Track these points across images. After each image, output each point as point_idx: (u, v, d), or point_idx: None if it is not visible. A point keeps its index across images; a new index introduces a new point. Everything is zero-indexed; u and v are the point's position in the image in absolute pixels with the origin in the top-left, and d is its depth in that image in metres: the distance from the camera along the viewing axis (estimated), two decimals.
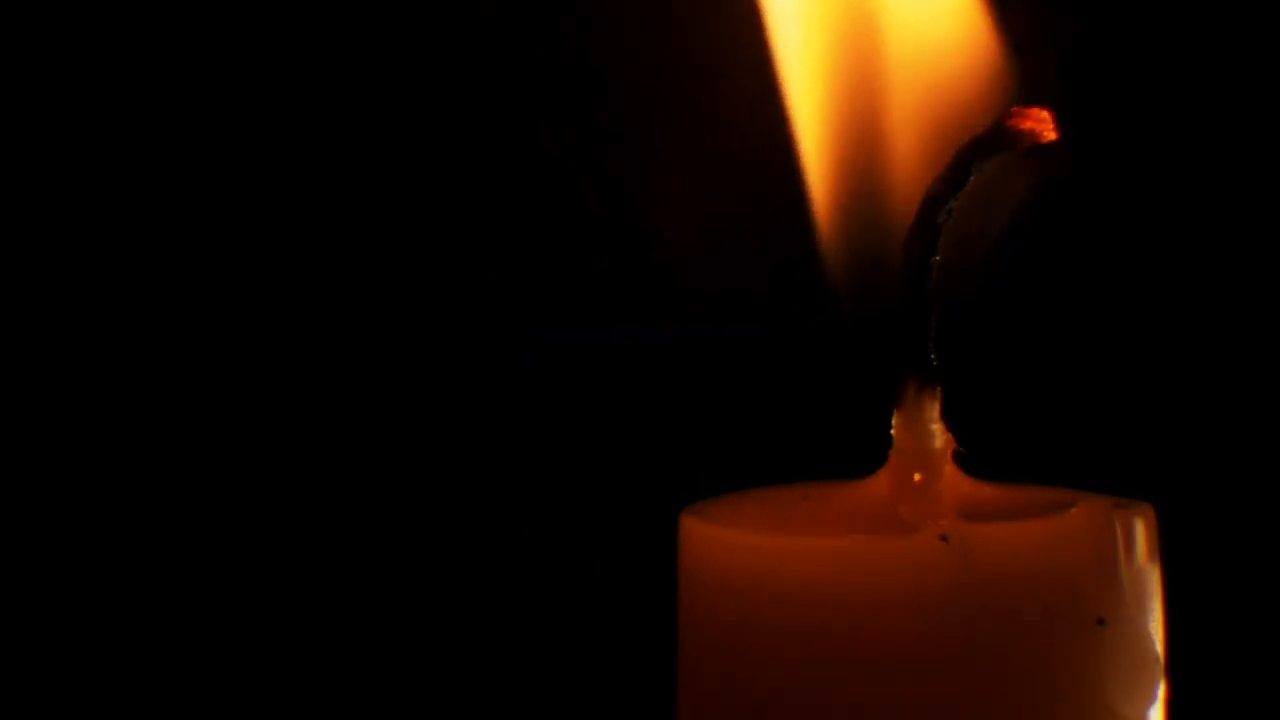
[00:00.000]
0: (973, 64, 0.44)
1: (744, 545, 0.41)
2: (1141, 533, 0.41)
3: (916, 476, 0.42)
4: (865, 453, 0.43)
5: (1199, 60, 0.71)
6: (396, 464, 0.74)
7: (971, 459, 0.43)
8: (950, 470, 0.42)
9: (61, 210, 0.73)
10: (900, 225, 0.42)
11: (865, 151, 0.44)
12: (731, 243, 0.72)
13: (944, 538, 0.40)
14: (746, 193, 0.71)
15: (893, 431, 0.43)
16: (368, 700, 0.74)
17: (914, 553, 0.40)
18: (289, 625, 0.74)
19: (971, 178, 0.41)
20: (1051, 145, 0.41)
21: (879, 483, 0.43)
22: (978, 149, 0.41)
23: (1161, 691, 0.41)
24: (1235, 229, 0.71)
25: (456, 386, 0.74)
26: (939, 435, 0.42)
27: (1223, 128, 0.71)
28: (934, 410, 0.42)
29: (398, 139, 0.73)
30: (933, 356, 0.42)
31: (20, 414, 0.73)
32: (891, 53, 0.44)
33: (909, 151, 0.44)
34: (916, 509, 0.41)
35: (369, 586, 0.74)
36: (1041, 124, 0.41)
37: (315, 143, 0.73)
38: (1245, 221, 0.71)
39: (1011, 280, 0.49)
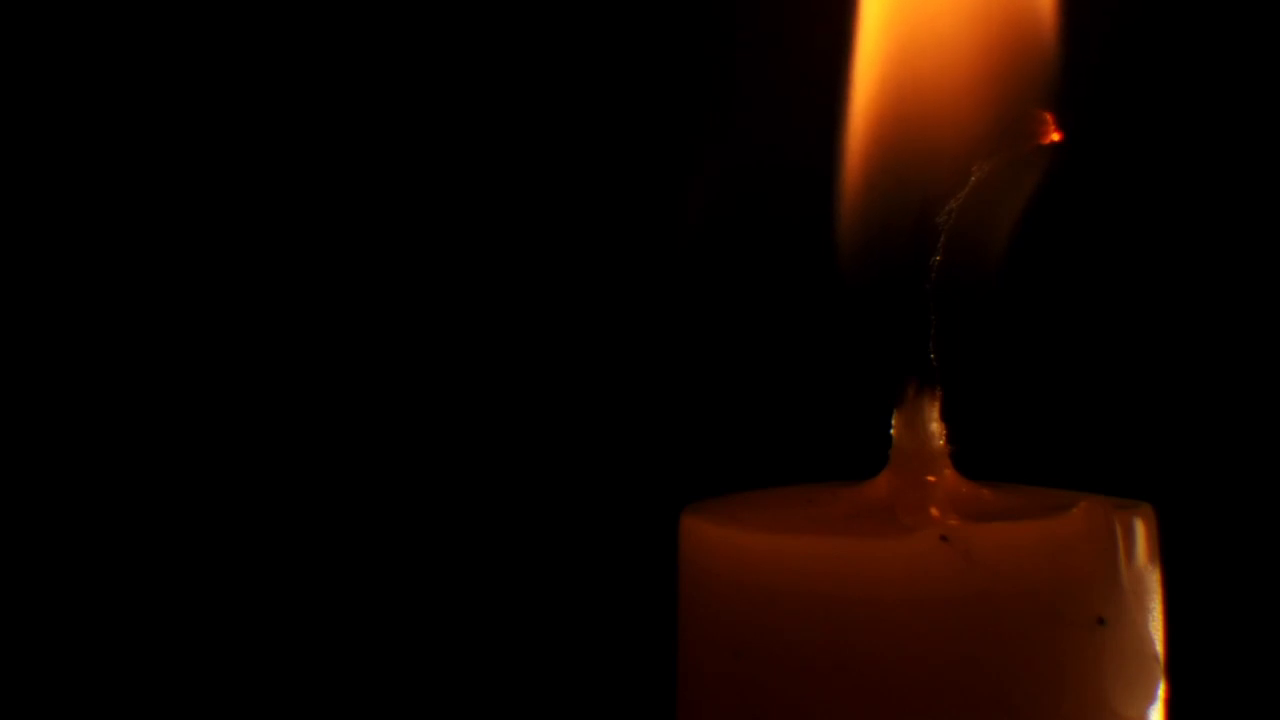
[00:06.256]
0: (1021, 61, 0.44)
1: (744, 545, 0.41)
2: (1141, 533, 0.41)
3: (917, 477, 0.42)
4: (865, 453, 0.43)
5: (1199, 60, 0.71)
6: (396, 464, 0.74)
7: (971, 459, 0.43)
8: (950, 471, 0.42)
9: (61, 210, 0.73)
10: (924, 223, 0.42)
11: (902, 140, 0.44)
12: (734, 242, 0.72)
13: (944, 538, 0.40)
14: (751, 194, 0.71)
15: (893, 432, 0.43)
16: (368, 700, 0.74)
17: (914, 553, 0.40)
18: (289, 625, 0.74)
19: (971, 179, 0.41)
20: (1053, 147, 0.41)
21: (879, 483, 0.43)
22: (978, 151, 0.41)
23: (1161, 691, 0.41)
24: (1235, 229, 0.71)
25: (456, 386, 0.74)
26: (939, 436, 0.42)
27: (1222, 128, 0.71)
28: (934, 410, 0.42)
29: (399, 137, 0.73)
30: (932, 357, 0.42)
31: (20, 414, 0.73)
32: (937, 45, 0.44)
33: (944, 142, 0.44)
34: (916, 509, 0.41)
35: (369, 586, 0.74)
36: (1043, 126, 0.41)
37: (315, 142, 0.73)
38: (1245, 222, 0.71)
39: (1010, 280, 0.49)
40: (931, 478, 0.42)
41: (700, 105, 0.72)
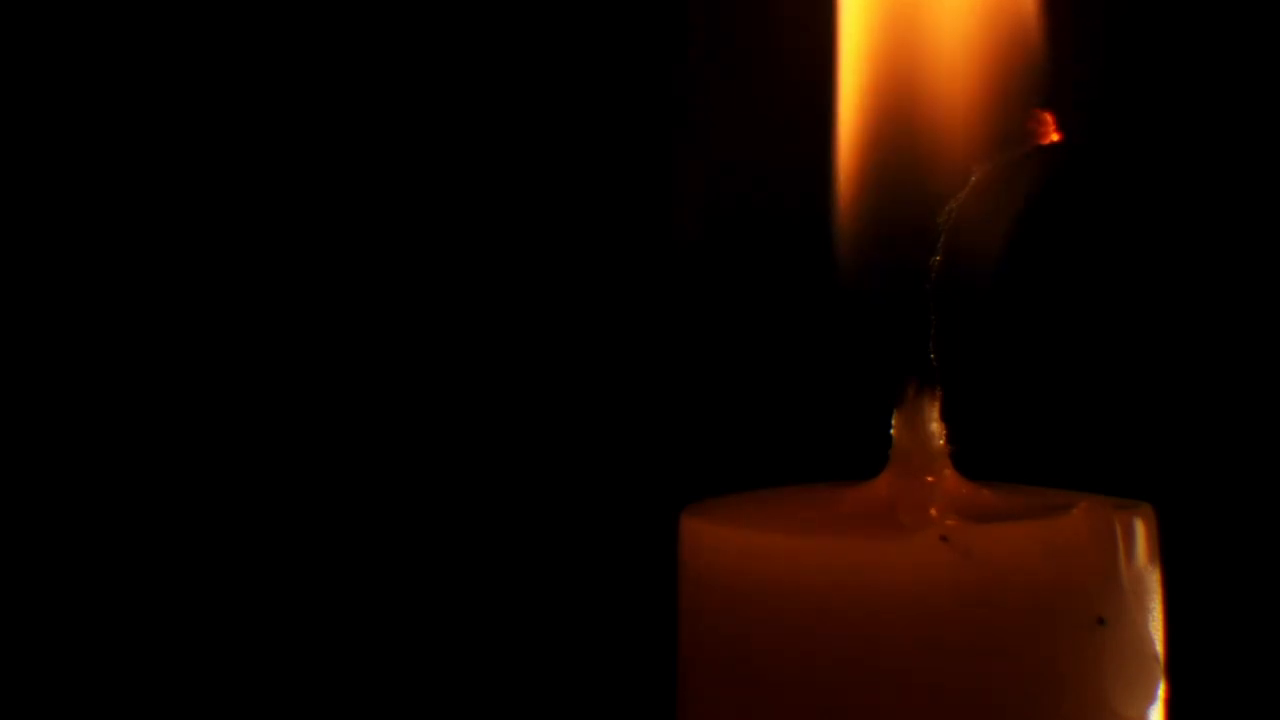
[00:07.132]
0: (1010, 60, 0.44)
1: (744, 545, 0.41)
2: (1141, 533, 0.41)
3: (917, 477, 0.42)
4: (865, 453, 0.43)
5: (1199, 60, 0.71)
6: (396, 464, 0.74)
7: (971, 459, 0.43)
8: (950, 471, 0.42)
9: (61, 210, 0.73)
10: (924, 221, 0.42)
11: (900, 141, 0.44)
12: (734, 243, 0.72)
13: (944, 538, 0.40)
14: (751, 194, 0.71)
15: (893, 432, 0.43)
16: (368, 700, 0.74)
17: (914, 553, 0.40)
18: (289, 625, 0.74)
19: (972, 179, 0.41)
20: (1053, 147, 0.41)
21: (879, 483, 0.43)
22: (978, 151, 0.41)
23: (1161, 691, 0.41)
24: (1235, 229, 0.71)
25: (457, 387, 0.74)
26: (939, 436, 0.42)
27: (1222, 128, 0.71)
28: (934, 411, 0.42)
29: (389, 142, 0.73)
30: (932, 357, 0.42)
31: (20, 414, 0.73)
32: (931, 45, 0.44)
33: (943, 143, 0.44)
34: (916, 510, 0.41)
35: (369, 586, 0.74)
36: (1044, 126, 0.41)
37: (311, 145, 0.73)
38: (1245, 221, 0.71)
39: (1011, 280, 0.49)
40: (931, 478, 0.42)
41: (701, 106, 0.72)
